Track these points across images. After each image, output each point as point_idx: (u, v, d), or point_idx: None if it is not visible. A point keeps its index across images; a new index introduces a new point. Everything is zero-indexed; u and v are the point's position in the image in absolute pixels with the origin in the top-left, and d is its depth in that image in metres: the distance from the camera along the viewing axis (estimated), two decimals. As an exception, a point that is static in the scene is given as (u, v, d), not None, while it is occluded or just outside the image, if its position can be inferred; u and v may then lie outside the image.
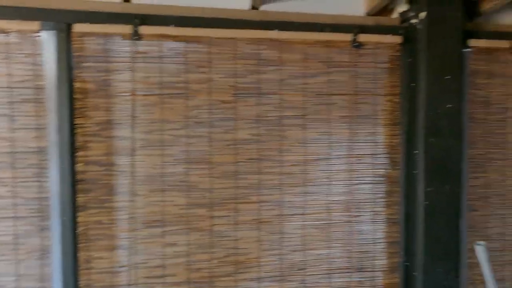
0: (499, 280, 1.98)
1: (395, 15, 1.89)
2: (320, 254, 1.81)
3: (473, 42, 1.87)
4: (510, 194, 1.97)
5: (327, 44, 1.77)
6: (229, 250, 1.73)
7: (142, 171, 1.66)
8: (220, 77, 1.70)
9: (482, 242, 1.61)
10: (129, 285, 1.66)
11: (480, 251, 1.61)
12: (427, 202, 1.79)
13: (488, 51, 1.91)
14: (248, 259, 1.75)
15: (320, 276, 1.81)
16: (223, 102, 1.71)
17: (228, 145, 1.72)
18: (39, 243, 1.60)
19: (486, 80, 1.93)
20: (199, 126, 1.69)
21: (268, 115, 1.74)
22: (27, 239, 1.59)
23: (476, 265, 1.67)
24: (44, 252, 1.60)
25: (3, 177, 1.56)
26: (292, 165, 1.77)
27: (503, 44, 1.90)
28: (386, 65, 1.84)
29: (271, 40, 1.71)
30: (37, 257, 1.60)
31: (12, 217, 1.57)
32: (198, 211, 1.70)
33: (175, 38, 1.65)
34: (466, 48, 1.88)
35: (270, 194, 1.76)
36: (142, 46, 1.63)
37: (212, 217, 1.71)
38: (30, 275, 1.60)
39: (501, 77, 1.94)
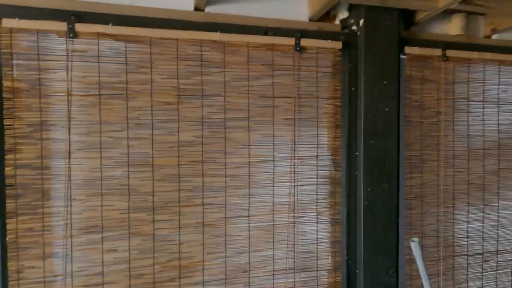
0: (434, 274, 2.10)
1: (337, 21, 1.95)
2: (265, 255, 1.82)
3: (408, 50, 1.98)
4: (443, 193, 2.10)
5: (271, 47, 1.80)
6: (172, 255, 1.70)
7: (80, 175, 1.59)
8: (162, 78, 1.67)
9: (415, 239, 1.70)
10: (65, 295, 1.58)
11: (414, 247, 1.70)
12: (366, 202, 1.87)
13: (422, 58, 2.03)
14: (192, 263, 1.72)
15: (265, 277, 1.82)
16: (166, 103, 1.68)
17: (171, 147, 1.69)
18: (-39, 253, 1.48)
19: (420, 85, 2.04)
20: (140, 128, 1.65)
21: (212, 117, 1.74)
22: None
23: (414, 261, 1.75)
24: (-33, 264, 1.48)
25: None
26: (236, 167, 1.77)
27: (435, 51, 2.03)
28: (328, 70, 1.90)
29: (214, 42, 1.71)
30: (-41, 269, 1.48)
31: None
32: (139, 215, 1.65)
33: (114, 37, 1.60)
34: (402, 55, 1.99)
35: (214, 197, 1.75)
36: (79, 44, 1.57)
37: (154, 221, 1.67)
38: (-49, 289, 1.47)
39: (433, 83, 2.06)
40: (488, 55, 2.12)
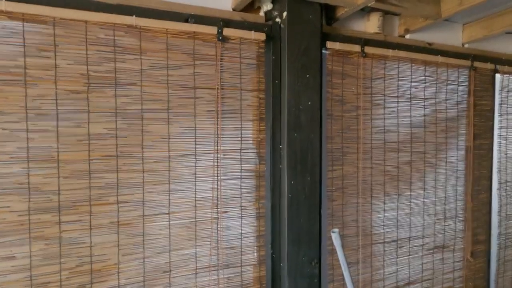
0: (354, 262, 2.18)
1: (261, 13, 1.92)
2: (187, 253, 1.74)
3: (330, 44, 2.02)
4: (362, 184, 2.18)
5: (192, 35, 1.71)
6: (82, 259, 1.54)
7: (-34, 173, 1.37)
8: (68, 64, 1.50)
9: (336, 229, 1.73)
10: None
11: (335, 237, 1.73)
12: (290, 195, 1.87)
13: (343, 53, 2.08)
14: (106, 266, 1.58)
15: (187, 276, 1.74)
16: (73, 92, 1.51)
17: (80, 140, 1.53)
18: None
19: (341, 80, 2.09)
20: (42, 119, 1.47)
21: (128, 107, 1.61)
22: None
23: (335, 251, 1.79)
24: None
25: None
26: (155, 161, 1.66)
27: (355, 48, 2.09)
28: (252, 61, 1.86)
29: (130, 26, 1.58)
30: None
31: None
32: (42, 216, 1.48)
33: (9, 15, 1.40)
34: (324, 50, 2.02)
35: (131, 194, 1.62)
36: (-37, 21, 1.35)
37: (60, 222, 1.50)
38: None
39: (353, 78, 2.13)
40: (402, 53, 2.25)
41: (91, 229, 1.55)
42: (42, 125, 1.47)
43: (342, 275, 1.86)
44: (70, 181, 1.51)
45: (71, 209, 1.52)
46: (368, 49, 2.13)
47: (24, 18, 1.42)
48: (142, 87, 1.63)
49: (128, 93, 1.60)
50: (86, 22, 1.51)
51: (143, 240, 1.65)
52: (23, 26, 1.42)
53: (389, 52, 2.20)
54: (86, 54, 1.52)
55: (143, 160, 1.64)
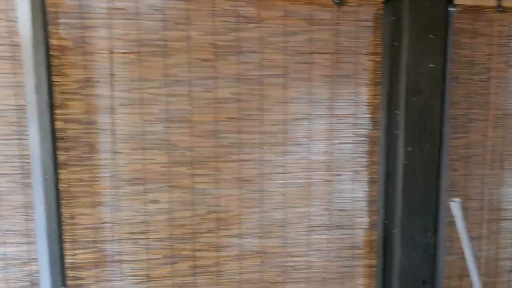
0: (476, 238, 2.04)
1: (380, -28, 1.84)
2: (301, 212, 1.85)
3: (458, 0, 1.84)
4: (490, 154, 2.00)
5: (309, 1, 1.74)
6: (210, 208, 1.77)
7: (123, 130, 1.67)
8: (199, 35, 1.68)
9: (457, 199, 1.65)
10: (113, 240, 1.70)
11: (455, 207, 1.65)
12: (406, 162, 1.82)
13: (473, 9, 1.88)
14: (230, 216, 1.79)
15: (300, 233, 1.86)
16: (203, 60, 1.70)
17: (209, 104, 1.72)
18: (22, 199, 1.63)
19: (470, 39, 1.91)
20: (178, 85, 1.69)
21: (249, 73, 1.74)
22: (11, 195, 1.62)
23: (455, 223, 1.71)
24: (28, 209, 1.63)
25: (-17, 135, 1.57)
26: (272, 124, 1.78)
27: (489, 2, 1.87)
28: (369, 23, 1.81)
29: (251, -4, 1.69)
30: (21, 213, 1.63)
31: (-6, 174, 1.60)
32: (179, 169, 1.72)
33: (153, -6, 1.62)
34: (451, 7, 1.85)
35: (251, 153, 1.77)
36: (119, 2, 1.60)
37: (193, 175, 1.73)
38: (15, 230, 1.64)
39: (485, 37, 1.92)
40: (550, 5, 1.93)
41: (217, 182, 1.76)
42: (178, 90, 1.69)
43: (462, 248, 1.77)
44: (200, 140, 1.73)
45: (201, 164, 1.74)
46: (506, 3, 1.88)
47: (164, -4, 1.63)
48: (261, 54, 1.74)
49: (249, 60, 1.73)
50: (214, -5, 1.66)
51: (261, 196, 1.81)
52: (163, 3, 1.63)
53: (534, 4, 1.91)
54: (213, 25, 1.68)
55: (262, 122, 1.77)
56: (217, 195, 1.77)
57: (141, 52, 1.64)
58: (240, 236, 1.80)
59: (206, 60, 1.70)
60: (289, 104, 1.78)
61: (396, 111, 1.84)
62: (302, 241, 1.87)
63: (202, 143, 1.73)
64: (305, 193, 1.84)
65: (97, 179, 1.67)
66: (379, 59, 1.84)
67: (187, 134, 1.71)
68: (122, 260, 1.72)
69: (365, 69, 1.84)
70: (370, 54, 1.83)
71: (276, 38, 1.74)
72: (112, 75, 1.63)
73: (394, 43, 1.81)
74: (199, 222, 1.76)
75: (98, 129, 1.65)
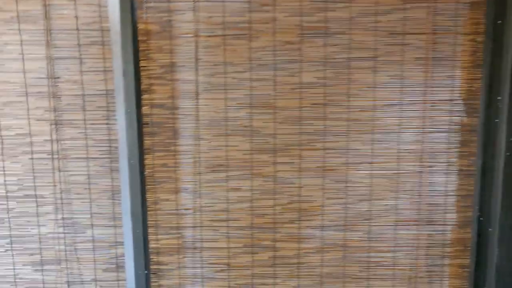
0: None
1: None
2: (387, 204, 1.73)
3: None
4: None
5: (403, -24, 1.61)
6: (292, 197, 1.70)
7: (206, 115, 1.64)
8: (284, 16, 1.60)
9: None
10: (195, 227, 1.69)
11: None
12: (508, 153, 1.63)
13: None
14: (312, 207, 1.71)
15: (386, 227, 1.74)
16: (288, 43, 1.62)
17: (293, 89, 1.64)
18: (109, 183, 1.65)
19: None
20: (263, 69, 1.62)
21: (336, 56, 1.63)
22: (99, 179, 1.65)
23: None
24: (114, 193, 1.65)
25: (75, 119, 1.61)
26: (360, 110, 1.67)
27: None
28: (469, 0, 1.64)
29: (342, -27, 1.58)
30: (108, 197, 1.66)
31: (85, 158, 1.63)
32: (261, 156, 1.67)
33: (238, -26, 1.56)
34: None
35: (336, 141, 1.68)
36: (205, -17, 1.56)
37: (275, 163, 1.67)
38: (102, 213, 1.67)
39: None
40: None
41: (300, 171, 1.68)
42: (262, 75, 1.62)
43: None
44: (283, 126, 1.66)
45: (284, 152, 1.67)
46: None
47: (250, -25, 1.56)
48: (350, 35, 1.63)
49: (337, 42, 1.63)
50: (301, -27, 1.57)
51: (346, 186, 1.71)
52: (249, -16, 1.57)
53: None
54: (300, 5, 1.59)
55: (349, 108, 1.66)
56: (300, 184, 1.69)
57: (226, 35, 1.60)
58: (322, 228, 1.72)
59: (291, 42, 1.62)
60: (378, 89, 1.66)
61: (498, 97, 1.65)
62: (388, 236, 1.75)
63: (285, 129, 1.66)
64: (393, 185, 1.72)
65: (180, 165, 1.66)
66: (480, 39, 1.66)
67: (270, 120, 1.65)
68: (203, 248, 1.71)
69: (464, 51, 1.67)
70: (470, 34, 1.66)
71: (366, 18, 1.62)
72: (197, 59, 1.60)
73: (498, 21, 1.62)
74: (280, 212, 1.70)
75: (182, 114, 1.63)
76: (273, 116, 1.65)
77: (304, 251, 1.73)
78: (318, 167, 1.69)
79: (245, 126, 1.65)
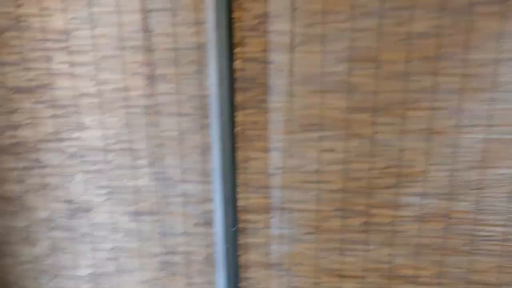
0: None
1: None
2: (502, 174, 1.52)
3: None
4: None
5: None
6: (391, 161, 1.56)
7: (301, 70, 1.52)
8: (396, -46, 1.39)
9: None
10: (284, 187, 1.63)
11: None
12: None
13: None
14: (413, 172, 1.56)
15: (499, 199, 1.55)
16: (398, -14, 1.42)
17: (400, 40, 1.45)
18: (200, 140, 1.64)
19: None
20: (366, 18, 1.45)
21: (455, 1, 1.40)
22: (191, 135, 1.64)
23: None
24: (205, 149, 1.64)
25: (168, 73, 1.58)
26: (479, 65, 1.44)
27: None
28: None
29: None
30: (199, 153, 1.65)
31: (177, 114, 1.62)
32: (359, 116, 1.53)
33: None
34: None
35: (447, 100, 1.48)
36: None
37: (375, 123, 1.53)
38: (193, 169, 1.67)
39: None
40: None
41: (402, 133, 1.53)
42: (366, 24, 1.45)
43: None
44: (386, 83, 1.49)
45: (385, 111, 1.52)
46: None
47: None
48: (474, -25, 1.38)
49: (457, -17, 1.39)
50: None
51: (455, 151, 1.52)
52: None
53: None
54: None
55: (465, 63, 1.44)
56: (401, 147, 1.54)
57: (327, -21, 1.43)
58: (423, 195, 1.57)
59: (401, -14, 1.41)
60: (505, 40, 1.41)
61: None
62: (499, 209, 1.55)
63: (388, 86, 1.49)
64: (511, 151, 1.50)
65: (271, 123, 1.58)
66: None
67: (372, 76, 1.49)
68: (291, 209, 1.66)
69: None
70: None
71: (498, -48, 1.35)
72: (293, 8, 1.47)
73: None
74: (377, 176, 1.58)
75: (275, 69, 1.53)
76: (375, 71, 1.49)
77: (400, 219, 1.60)
78: (423, 129, 1.51)
79: (343, 83, 1.51)
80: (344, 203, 1.62)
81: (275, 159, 1.61)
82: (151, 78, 1.59)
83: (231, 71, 1.53)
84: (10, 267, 1.84)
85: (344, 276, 1.67)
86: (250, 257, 1.71)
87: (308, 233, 1.67)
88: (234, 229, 1.67)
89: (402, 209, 1.59)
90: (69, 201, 1.75)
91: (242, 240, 1.71)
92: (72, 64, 1.61)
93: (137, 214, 1.74)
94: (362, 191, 1.60)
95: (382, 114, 1.52)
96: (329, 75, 1.51)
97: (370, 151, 1.56)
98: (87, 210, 1.75)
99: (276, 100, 1.56)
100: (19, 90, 1.65)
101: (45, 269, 1.83)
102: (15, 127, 1.69)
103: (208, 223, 1.72)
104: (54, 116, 1.67)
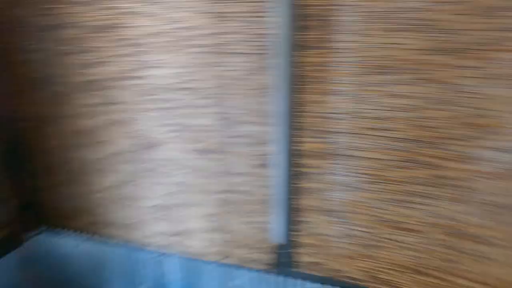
0: None
1: None
2: None
3: None
4: None
5: None
6: (471, 110, 1.41)
7: (370, 6, 1.40)
8: None
9: None
10: (345, 133, 1.57)
11: None
12: None
13: None
14: (494, 123, 1.39)
15: None
16: None
17: (493, -32, 1.26)
18: (259, 81, 1.61)
19: None
20: None
21: None
22: (249, 76, 1.62)
23: None
24: (264, 91, 1.62)
25: (230, 12, 1.55)
26: None
27: None
28: None
29: None
30: (259, 94, 1.63)
31: (238, 53, 1.60)
32: (436, 58, 1.39)
33: None
34: None
35: (545, 40, 1.28)
36: None
37: (454, 66, 1.38)
38: (251, 110, 1.66)
39: None
40: None
41: (487, 78, 1.36)
42: (452, -50, 1.27)
43: None
44: (469, 20, 1.32)
45: (467, 53, 1.35)
46: None
47: None
48: None
49: None
50: None
51: (549, 101, 1.33)
52: None
53: None
54: None
55: None
56: (482, 94, 1.38)
57: None
58: (503, 149, 1.41)
59: None
60: None
61: None
62: None
63: (471, 24, 1.32)
64: None
65: (335, 64, 1.50)
66: None
67: (452, 12, 1.33)
68: (351, 156, 1.59)
69: None
70: None
71: None
72: None
73: None
74: (452, 126, 1.44)
75: (341, 4, 1.43)
76: (457, 6, 1.32)
77: (475, 174, 1.47)
78: (510, 74, 1.33)
79: (418, 20, 1.36)
80: (411, 153, 1.52)
81: (339, 102, 1.55)
82: (216, 17, 1.58)
83: (293, 7, 1.46)
84: (85, 195, 2.05)
85: (407, 229, 1.60)
86: (307, 201, 1.71)
87: (370, 182, 1.60)
88: (291, 172, 1.67)
89: (478, 163, 1.45)
90: (138, 137, 1.87)
91: (300, 184, 1.70)
92: (144, 3, 1.65)
93: (201, 152, 1.80)
94: (433, 141, 1.48)
95: (463, 56, 1.36)
96: (403, 11, 1.37)
97: (446, 98, 1.42)
98: (154, 146, 1.85)
99: (342, 40, 1.46)
100: (91, 29, 1.74)
101: (115, 198, 2.00)
102: (88, 65, 1.80)
103: (264, 165, 1.72)
104: (124, 55, 1.75)
